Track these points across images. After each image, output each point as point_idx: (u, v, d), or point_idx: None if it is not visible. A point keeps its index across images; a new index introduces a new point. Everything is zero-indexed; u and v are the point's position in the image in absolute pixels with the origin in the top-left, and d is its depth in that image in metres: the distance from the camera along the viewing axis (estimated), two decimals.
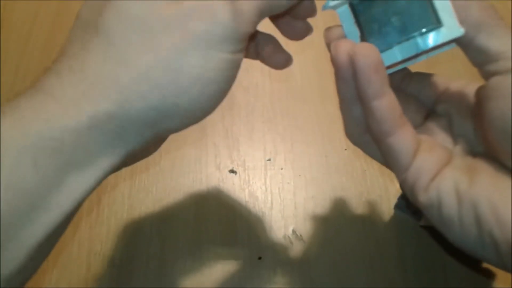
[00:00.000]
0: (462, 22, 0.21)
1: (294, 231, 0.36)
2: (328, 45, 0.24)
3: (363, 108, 0.23)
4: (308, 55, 0.44)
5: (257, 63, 0.43)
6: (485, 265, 0.34)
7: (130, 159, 0.25)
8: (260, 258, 0.35)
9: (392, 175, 0.36)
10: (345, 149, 0.40)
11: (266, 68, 0.43)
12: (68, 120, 0.19)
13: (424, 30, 0.22)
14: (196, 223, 0.36)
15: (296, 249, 0.35)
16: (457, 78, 0.24)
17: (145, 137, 0.21)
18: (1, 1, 0.47)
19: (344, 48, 0.22)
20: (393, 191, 0.37)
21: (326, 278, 0.34)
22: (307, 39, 0.47)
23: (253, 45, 0.27)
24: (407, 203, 0.35)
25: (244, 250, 0.35)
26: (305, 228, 0.36)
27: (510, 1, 0.47)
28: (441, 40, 0.22)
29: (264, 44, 0.27)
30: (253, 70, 0.43)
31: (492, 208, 0.20)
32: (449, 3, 0.21)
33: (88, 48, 0.21)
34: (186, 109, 0.21)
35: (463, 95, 0.25)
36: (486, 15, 0.22)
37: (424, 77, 0.27)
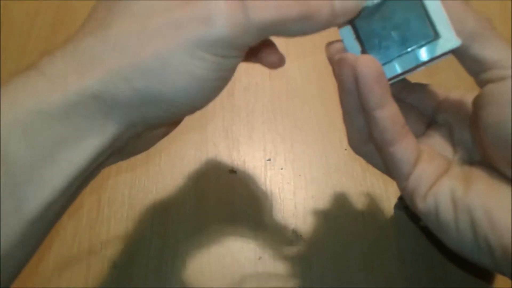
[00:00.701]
0: (457, 32, 0.22)
1: (294, 231, 0.36)
2: (330, 59, 0.25)
3: (366, 118, 0.23)
4: (308, 56, 0.44)
5: (257, 64, 0.43)
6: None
7: (126, 152, 0.25)
8: (260, 258, 0.35)
9: None
10: (345, 149, 0.40)
11: (266, 68, 0.44)
12: (55, 96, 0.20)
13: (423, 42, 0.23)
14: (196, 223, 0.36)
15: (296, 249, 0.35)
16: (459, 84, 0.25)
17: (133, 121, 0.22)
18: (1, 1, 0.47)
19: (347, 61, 0.22)
20: (393, 191, 0.37)
21: (326, 278, 0.34)
22: (307, 39, 0.47)
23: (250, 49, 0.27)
24: (407, 204, 0.35)
25: (244, 250, 0.35)
26: (305, 228, 0.36)
27: (510, 1, 0.47)
28: (440, 51, 0.22)
29: (260, 47, 0.27)
30: (253, 70, 0.43)
31: (486, 213, 0.21)
32: (445, 15, 0.22)
33: (86, 33, 0.22)
34: (172, 99, 0.21)
35: (462, 104, 0.26)
36: (480, 26, 0.22)
37: (423, 88, 0.28)
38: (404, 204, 0.36)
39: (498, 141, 0.22)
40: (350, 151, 0.41)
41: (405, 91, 0.28)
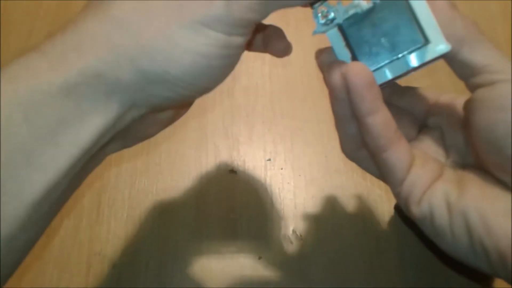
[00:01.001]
0: (446, 37, 0.22)
1: (294, 231, 0.36)
2: (320, 67, 0.25)
3: (359, 125, 0.23)
4: (308, 56, 0.44)
5: (257, 64, 0.43)
6: None
7: (131, 136, 0.25)
8: (260, 258, 0.35)
9: None
10: None
11: (266, 68, 0.44)
12: (56, 75, 0.20)
13: (413, 48, 0.23)
14: (196, 223, 0.36)
15: (296, 249, 0.35)
16: (456, 83, 0.24)
17: (137, 101, 0.21)
18: (1, 1, 0.47)
19: (337, 69, 0.23)
20: None
21: (326, 278, 0.34)
22: (308, 39, 0.47)
23: (260, 37, 0.27)
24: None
25: (244, 250, 0.35)
26: (305, 228, 0.36)
27: (510, 1, 0.47)
28: (430, 57, 0.23)
29: (270, 36, 0.27)
30: (253, 70, 0.43)
31: (481, 217, 0.21)
32: (434, 20, 0.22)
33: (87, 12, 0.21)
34: (177, 77, 0.21)
35: (453, 107, 0.26)
36: (469, 30, 0.22)
37: (414, 91, 0.28)
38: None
39: (489, 146, 0.22)
40: None
41: (396, 95, 0.28)
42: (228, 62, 0.22)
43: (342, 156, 0.39)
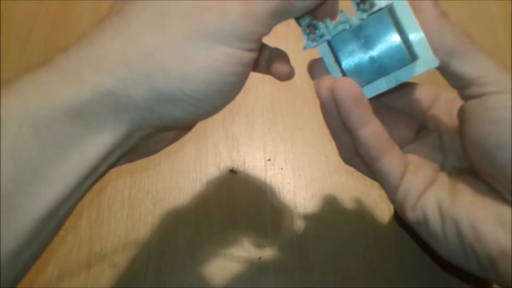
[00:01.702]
0: (436, 49, 0.22)
1: (294, 231, 0.36)
2: (312, 79, 0.26)
3: (350, 137, 0.24)
4: (308, 56, 0.44)
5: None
6: None
7: (137, 153, 0.25)
8: (260, 258, 0.35)
9: None
10: None
11: None
12: (69, 92, 0.20)
13: (401, 66, 0.23)
14: (196, 223, 0.36)
15: (296, 249, 0.35)
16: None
17: (147, 121, 0.21)
18: (1, 1, 0.47)
19: (325, 84, 0.23)
20: None
21: (326, 278, 0.34)
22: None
23: (264, 58, 0.27)
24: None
25: (244, 250, 0.35)
26: (305, 228, 0.36)
27: (510, 1, 0.47)
28: (417, 72, 0.23)
29: (274, 58, 0.27)
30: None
31: (471, 224, 0.21)
32: (423, 36, 0.22)
33: (103, 27, 0.21)
34: (190, 95, 0.20)
35: (451, 111, 0.26)
36: (459, 41, 0.22)
37: (413, 90, 0.28)
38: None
39: (480, 156, 0.22)
40: None
41: (394, 95, 0.28)
42: (239, 79, 0.22)
43: None
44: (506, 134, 0.21)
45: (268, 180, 0.38)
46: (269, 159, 0.39)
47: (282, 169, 0.39)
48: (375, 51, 0.24)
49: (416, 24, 0.22)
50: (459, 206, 0.22)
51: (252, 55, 0.21)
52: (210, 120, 0.40)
